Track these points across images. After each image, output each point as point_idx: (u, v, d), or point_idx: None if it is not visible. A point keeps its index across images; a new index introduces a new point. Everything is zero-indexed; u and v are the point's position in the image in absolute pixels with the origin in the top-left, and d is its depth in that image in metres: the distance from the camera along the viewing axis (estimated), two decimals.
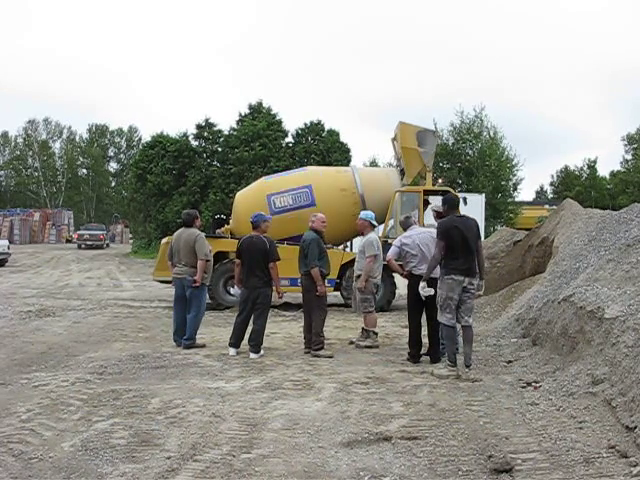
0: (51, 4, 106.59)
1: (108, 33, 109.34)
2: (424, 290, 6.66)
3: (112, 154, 77.74)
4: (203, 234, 8.32)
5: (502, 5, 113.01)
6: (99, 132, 76.71)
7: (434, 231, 7.28)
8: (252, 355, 7.37)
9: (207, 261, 8.01)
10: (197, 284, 7.90)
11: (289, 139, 33.41)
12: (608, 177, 61.66)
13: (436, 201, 12.31)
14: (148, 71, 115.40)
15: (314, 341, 7.57)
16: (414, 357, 7.09)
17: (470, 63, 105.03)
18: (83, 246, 38.85)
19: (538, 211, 37.15)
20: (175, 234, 8.33)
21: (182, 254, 8.00)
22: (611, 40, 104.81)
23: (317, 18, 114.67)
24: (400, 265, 7.57)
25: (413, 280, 7.17)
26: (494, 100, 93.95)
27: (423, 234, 7.36)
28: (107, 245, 42.03)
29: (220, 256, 12.04)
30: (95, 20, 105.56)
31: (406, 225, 7.71)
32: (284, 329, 9.59)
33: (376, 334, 8.19)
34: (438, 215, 7.89)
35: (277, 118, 33.36)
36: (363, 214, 8.51)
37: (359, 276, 8.15)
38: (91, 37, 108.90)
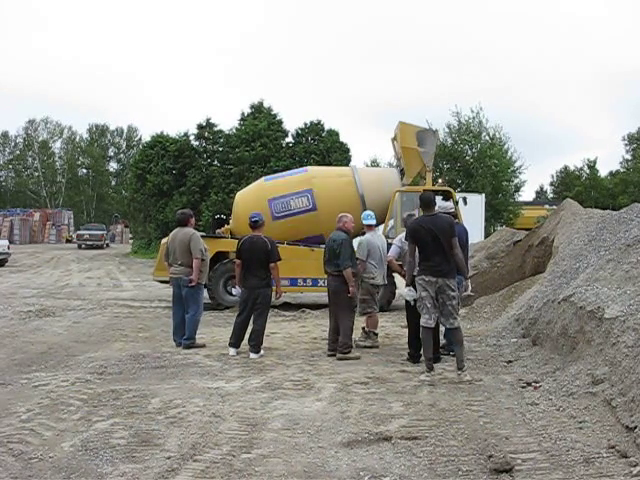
0: (52, 5, 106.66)
1: (109, 33, 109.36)
2: (407, 294, 6.56)
3: (112, 154, 77.76)
4: (198, 233, 8.32)
5: (502, 7, 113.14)
6: (99, 132, 76.73)
7: None
8: (252, 355, 7.37)
9: (202, 260, 8.00)
10: (193, 283, 7.90)
11: (289, 139, 33.41)
12: (608, 177, 61.65)
13: (436, 201, 12.34)
14: (149, 71, 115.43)
15: (344, 344, 7.34)
16: (414, 357, 7.08)
17: (471, 64, 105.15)
18: (83, 246, 39.06)
19: (538, 211, 37.13)
20: (170, 234, 8.33)
21: (178, 254, 8.00)
22: (611, 42, 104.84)
23: (317, 19, 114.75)
24: (400, 265, 7.56)
25: (411, 280, 7.15)
26: (495, 101, 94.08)
27: None
28: (107, 245, 42.19)
29: (220, 256, 12.06)
30: (96, 20, 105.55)
31: (408, 223, 7.64)
32: (284, 329, 9.59)
33: (376, 334, 8.18)
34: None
35: (278, 118, 33.36)
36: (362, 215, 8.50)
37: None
38: (92, 37, 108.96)
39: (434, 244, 6.19)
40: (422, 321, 6.33)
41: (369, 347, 7.91)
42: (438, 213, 6.56)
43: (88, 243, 39.20)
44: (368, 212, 8.56)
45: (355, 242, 8.03)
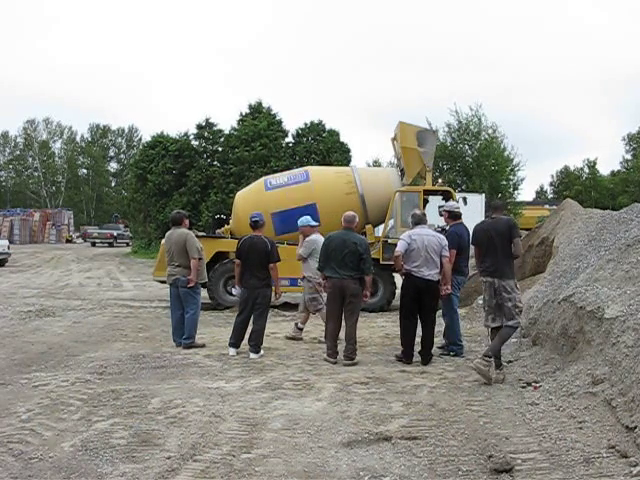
0: (53, 5, 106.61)
1: (109, 33, 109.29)
2: None
3: (112, 154, 77.74)
4: (192, 232, 8.33)
5: (503, 10, 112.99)
6: (101, 132, 76.71)
7: (441, 237, 7.21)
8: (252, 355, 7.37)
9: (200, 259, 8.00)
10: (192, 284, 7.90)
11: (289, 139, 33.37)
12: (609, 177, 61.62)
13: (435, 201, 12.35)
14: (149, 71, 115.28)
15: (354, 350, 7.14)
16: (408, 356, 7.07)
17: (472, 66, 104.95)
18: (95, 243, 42.85)
19: (538, 211, 37.11)
20: (166, 235, 8.33)
21: (175, 255, 8.00)
22: (611, 44, 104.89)
23: (318, 20, 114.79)
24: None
25: (410, 281, 7.10)
26: (496, 102, 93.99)
27: (431, 237, 7.10)
28: (127, 244, 43.91)
29: (220, 256, 12.07)
30: (97, 20, 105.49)
31: (417, 220, 7.30)
32: (284, 329, 9.58)
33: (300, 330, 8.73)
34: (449, 216, 7.84)
35: (277, 118, 33.33)
36: (301, 221, 8.70)
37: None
38: (92, 37, 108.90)
39: (489, 245, 6.41)
40: (485, 321, 6.55)
41: (292, 338, 8.54)
42: (500, 217, 6.64)
43: (97, 241, 43.15)
44: (309, 217, 8.89)
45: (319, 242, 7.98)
